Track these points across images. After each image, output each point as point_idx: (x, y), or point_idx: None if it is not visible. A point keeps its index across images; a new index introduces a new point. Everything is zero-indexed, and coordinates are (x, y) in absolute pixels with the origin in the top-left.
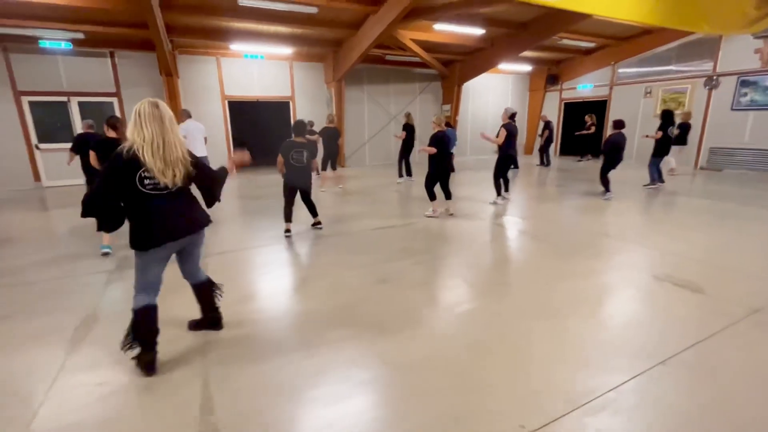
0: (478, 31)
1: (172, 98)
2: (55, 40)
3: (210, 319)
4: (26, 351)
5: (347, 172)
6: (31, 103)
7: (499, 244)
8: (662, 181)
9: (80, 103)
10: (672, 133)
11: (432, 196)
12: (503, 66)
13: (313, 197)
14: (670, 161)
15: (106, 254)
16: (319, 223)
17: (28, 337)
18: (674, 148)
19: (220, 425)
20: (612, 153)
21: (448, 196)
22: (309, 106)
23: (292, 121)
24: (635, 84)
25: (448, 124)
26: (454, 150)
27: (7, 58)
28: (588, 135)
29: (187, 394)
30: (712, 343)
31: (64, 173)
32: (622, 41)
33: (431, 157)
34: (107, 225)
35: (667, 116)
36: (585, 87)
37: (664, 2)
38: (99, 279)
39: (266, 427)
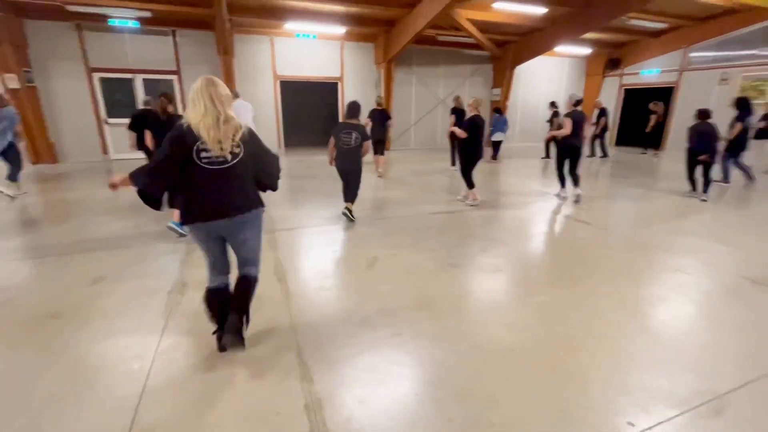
0: (540, 10)
1: (228, 77)
2: (124, 18)
3: (228, 324)
4: (128, 311)
5: (392, 156)
6: (101, 80)
7: (566, 235)
8: (728, 182)
9: (144, 80)
10: (751, 124)
11: (470, 184)
12: (559, 48)
13: (366, 181)
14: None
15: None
16: (350, 212)
17: (127, 297)
18: (757, 143)
19: (322, 395)
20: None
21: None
22: (357, 88)
23: (339, 102)
24: (709, 69)
25: (498, 110)
26: (503, 137)
27: (81, 35)
28: (656, 126)
29: (285, 362)
30: None
31: (128, 147)
32: (698, 22)
33: (464, 142)
34: (167, 198)
35: (744, 105)
36: (650, 72)
37: None
38: (180, 248)
39: (364, 401)
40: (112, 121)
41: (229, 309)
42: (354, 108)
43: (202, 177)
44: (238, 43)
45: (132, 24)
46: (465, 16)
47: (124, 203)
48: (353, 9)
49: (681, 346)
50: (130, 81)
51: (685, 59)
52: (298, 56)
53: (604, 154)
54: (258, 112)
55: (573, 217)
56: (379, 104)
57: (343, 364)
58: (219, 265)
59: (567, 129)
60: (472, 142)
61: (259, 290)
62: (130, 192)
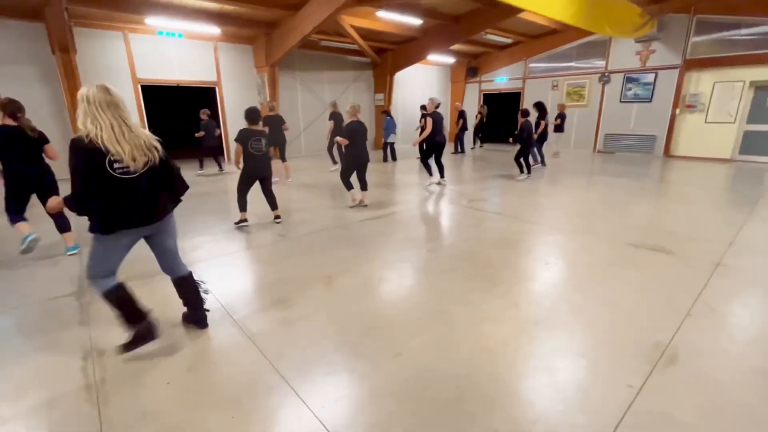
0: (416, 21)
1: (69, 79)
2: None
3: (194, 317)
4: (34, 406)
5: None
6: None
7: (484, 225)
8: (544, 164)
9: None
10: (547, 121)
11: (349, 186)
12: (430, 57)
13: (278, 191)
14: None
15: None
16: (278, 216)
17: (19, 386)
18: (554, 135)
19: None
20: (528, 139)
21: (363, 186)
22: (237, 93)
23: (219, 109)
24: (544, 78)
25: (388, 113)
26: (395, 138)
27: None
28: (481, 124)
29: (295, 425)
30: (710, 292)
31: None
32: (533, 39)
33: (345, 147)
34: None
35: (540, 107)
36: (501, 79)
37: (582, 8)
38: (68, 303)
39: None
40: None
41: (188, 306)
42: (256, 114)
43: (119, 186)
44: (80, 38)
45: None
46: (349, 22)
47: None
48: (228, 7)
49: (622, 309)
50: None
51: (526, 69)
52: (164, 57)
53: (462, 150)
54: None
55: (485, 209)
56: (271, 109)
57: (362, 405)
58: (116, 268)
59: (429, 128)
60: (354, 147)
61: (220, 341)
62: None
